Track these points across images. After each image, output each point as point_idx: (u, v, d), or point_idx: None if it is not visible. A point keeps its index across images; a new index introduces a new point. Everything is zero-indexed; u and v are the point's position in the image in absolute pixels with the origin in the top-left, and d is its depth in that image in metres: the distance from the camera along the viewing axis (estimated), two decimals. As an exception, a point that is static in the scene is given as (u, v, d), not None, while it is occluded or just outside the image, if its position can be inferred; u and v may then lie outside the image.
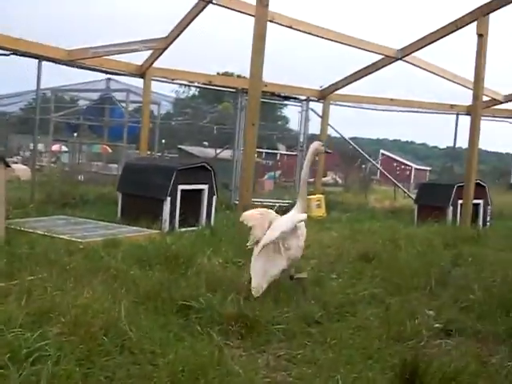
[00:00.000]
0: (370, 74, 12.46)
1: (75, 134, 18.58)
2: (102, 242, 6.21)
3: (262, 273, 4.26)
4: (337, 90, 13.29)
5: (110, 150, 20.53)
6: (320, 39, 10.99)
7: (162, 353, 3.13)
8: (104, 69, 11.36)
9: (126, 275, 4.69)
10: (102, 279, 4.54)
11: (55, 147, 21.11)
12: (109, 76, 13.27)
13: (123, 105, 15.43)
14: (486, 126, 14.35)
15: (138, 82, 12.37)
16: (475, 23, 9.59)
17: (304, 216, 4.75)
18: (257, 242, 4.47)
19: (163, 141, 19.47)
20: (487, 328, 3.91)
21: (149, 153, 13.76)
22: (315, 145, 5.16)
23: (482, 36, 9.42)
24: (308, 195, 12.42)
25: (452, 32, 10.42)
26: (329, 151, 5.91)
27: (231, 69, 22.33)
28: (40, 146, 17.99)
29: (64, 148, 21.88)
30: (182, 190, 8.19)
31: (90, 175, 16.20)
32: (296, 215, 4.73)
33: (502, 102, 13.71)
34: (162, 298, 4.05)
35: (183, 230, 7.73)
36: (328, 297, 4.51)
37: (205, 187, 8.61)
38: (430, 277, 5.15)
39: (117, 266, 4.98)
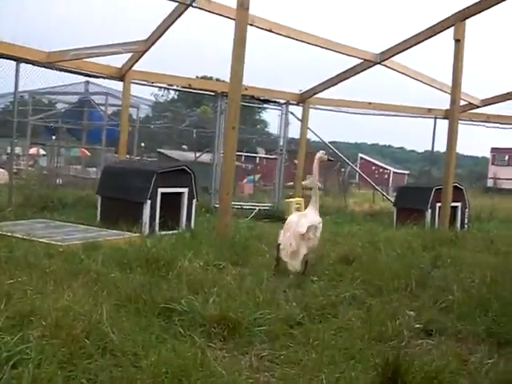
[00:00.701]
0: (349, 77, 12.52)
1: (53, 137, 18.42)
2: (81, 245, 6.19)
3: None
4: (316, 93, 13.34)
5: (89, 154, 20.39)
6: (300, 43, 11.03)
7: (145, 355, 3.11)
8: (83, 71, 11.27)
9: (107, 278, 4.67)
10: (83, 282, 4.52)
11: (33, 150, 20.92)
12: (87, 79, 13.18)
13: (102, 108, 15.34)
14: (463, 129, 14.57)
15: (117, 85, 12.34)
16: (453, 28, 9.72)
17: (320, 219, 5.90)
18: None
19: (142, 144, 19.39)
20: (467, 328, 3.96)
21: (128, 156, 13.70)
22: (319, 154, 6.20)
23: (459, 41, 9.53)
24: (288, 199, 12.58)
25: (430, 37, 10.52)
26: (331, 159, 6.93)
27: (211, 72, 22.31)
28: (18, 150, 17.82)
29: (42, 151, 21.69)
30: (162, 193, 8.17)
31: (68, 179, 16.10)
32: (316, 217, 5.84)
33: (478, 106, 13.88)
34: (144, 301, 4.04)
35: (163, 233, 7.71)
36: (309, 299, 4.53)
37: (185, 190, 8.60)
38: (410, 278, 5.19)
39: (97, 268, 4.96)
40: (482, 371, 3.23)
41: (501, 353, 3.53)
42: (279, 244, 5.60)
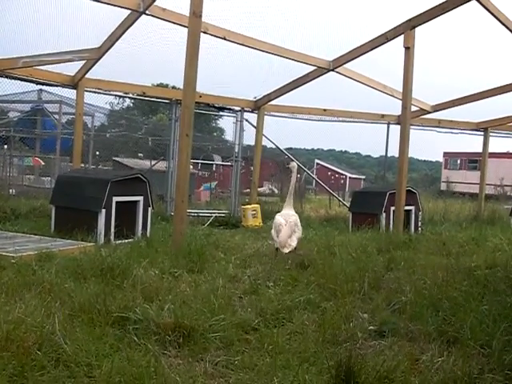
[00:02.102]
0: (303, 84, 12.64)
1: (5, 147, 18.07)
2: (35, 256, 6.07)
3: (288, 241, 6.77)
4: (271, 100, 13.43)
5: (43, 163, 20.06)
6: (255, 51, 11.09)
7: (98, 365, 3.09)
8: (35, 79, 11.10)
9: (61, 288, 4.61)
10: (36, 293, 4.45)
11: (-16, 160, 20.45)
12: (40, 87, 12.99)
13: (56, 116, 15.14)
14: (418, 135, 14.88)
15: (72, 94, 12.18)
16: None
17: (297, 215, 7.37)
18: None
19: (97, 153, 19.19)
20: (418, 328, 4.04)
21: (82, 165, 13.53)
22: (294, 164, 7.96)
23: (408, 49, 9.74)
24: (244, 205, 12.61)
25: (382, 44, 10.71)
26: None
27: (166, 80, 22.20)
28: (-32, 160, 17.41)
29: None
30: (117, 202, 8.10)
31: (21, 188, 15.79)
32: (295, 214, 7.36)
33: (429, 112, 14.19)
34: (98, 310, 4.00)
35: (119, 242, 7.64)
36: (265, 304, 4.55)
37: (140, 198, 8.55)
38: (364, 281, 5.28)
39: (51, 279, 4.88)
40: (432, 369, 3.31)
41: (450, 351, 3.62)
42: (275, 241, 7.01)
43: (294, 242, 6.80)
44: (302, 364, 3.31)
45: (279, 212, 7.83)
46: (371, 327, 4.15)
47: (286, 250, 6.73)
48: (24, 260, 5.83)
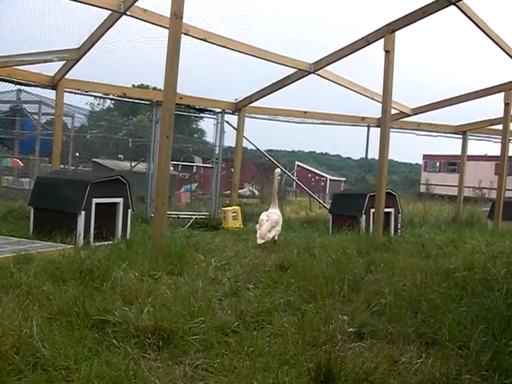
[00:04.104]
0: (283, 87, 12.67)
1: (-17, 148, 17.88)
2: (13, 258, 6.00)
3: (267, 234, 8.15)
4: (251, 102, 13.43)
5: (22, 164, 19.86)
6: (235, 53, 11.10)
7: (77, 368, 3.06)
8: (14, 79, 10.99)
9: (39, 291, 4.56)
10: (13, 296, 4.40)
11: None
12: (19, 87, 12.86)
13: (35, 117, 15.01)
14: (398, 137, 14.98)
15: (51, 94, 12.08)
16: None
17: (280, 215, 8.82)
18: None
19: (77, 154, 19.05)
20: (397, 329, 4.05)
21: (62, 166, 13.43)
22: (278, 170, 9.61)
23: (388, 52, 9.79)
24: (224, 207, 12.60)
25: (363, 47, 10.77)
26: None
27: (147, 81, 22.10)
28: None
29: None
30: (97, 204, 8.05)
31: (-1, 190, 15.63)
32: (278, 213, 8.73)
33: (409, 115, 14.30)
34: (77, 313, 3.96)
35: (98, 244, 7.59)
36: (244, 306, 4.55)
37: (120, 200, 8.50)
38: (344, 283, 5.29)
39: (29, 282, 4.82)
40: (411, 371, 3.34)
41: (428, 352, 3.65)
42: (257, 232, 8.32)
43: (271, 234, 8.19)
44: (282, 366, 3.31)
45: (260, 213, 8.88)
46: (351, 329, 4.17)
47: (261, 241, 8.05)
48: (1, 262, 5.76)
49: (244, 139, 13.88)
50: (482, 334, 3.75)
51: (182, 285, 5.22)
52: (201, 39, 10.42)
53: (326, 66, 11.78)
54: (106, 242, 7.71)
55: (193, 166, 22.49)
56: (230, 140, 14.26)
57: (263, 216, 8.55)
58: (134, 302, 4.39)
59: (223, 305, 4.69)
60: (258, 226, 8.53)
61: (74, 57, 10.55)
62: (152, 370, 3.23)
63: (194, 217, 12.46)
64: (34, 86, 11.64)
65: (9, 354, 3.13)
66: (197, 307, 4.29)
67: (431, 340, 3.87)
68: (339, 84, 12.39)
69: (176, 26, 7.25)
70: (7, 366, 3.03)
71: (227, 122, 13.63)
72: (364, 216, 10.77)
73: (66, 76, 11.21)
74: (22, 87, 12.75)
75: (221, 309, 4.55)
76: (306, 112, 14.23)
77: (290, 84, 12.55)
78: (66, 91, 11.56)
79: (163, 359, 3.45)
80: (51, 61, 10.46)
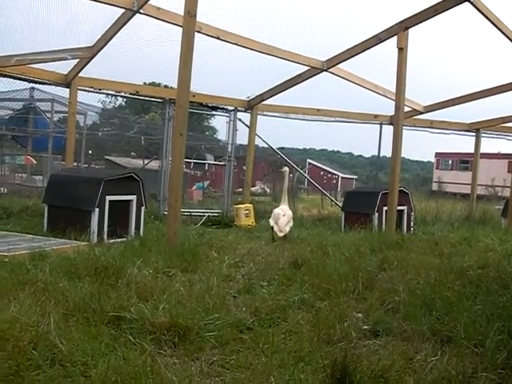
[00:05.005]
0: (296, 84, 12.66)
1: (-3, 145, 17.98)
2: (28, 255, 6.05)
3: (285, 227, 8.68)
4: (264, 100, 13.43)
5: (35, 162, 19.96)
6: (248, 50, 11.10)
7: (94, 364, 3.08)
8: (28, 77, 11.06)
9: (55, 288, 4.60)
10: (30, 292, 4.44)
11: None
12: (33, 85, 12.93)
13: (48, 115, 15.07)
14: (410, 135, 14.91)
15: (64, 92, 12.14)
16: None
17: (291, 211, 9.28)
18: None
19: (90, 152, 19.13)
20: (412, 327, 4.06)
21: (75, 164, 13.48)
22: (286, 169, 9.75)
23: (402, 49, 9.76)
24: (237, 204, 12.63)
25: (375, 45, 10.74)
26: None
27: (159, 79, 22.13)
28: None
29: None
30: (110, 201, 8.09)
31: (13, 187, 15.72)
32: (290, 212, 9.17)
33: (422, 113, 14.24)
34: (93, 310, 4.00)
35: (112, 241, 7.64)
36: (259, 303, 4.57)
37: (133, 198, 8.55)
38: (358, 281, 5.29)
39: (45, 278, 4.87)
40: (426, 368, 3.34)
41: (444, 350, 3.64)
42: (272, 227, 8.81)
43: (287, 229, 8.69)
44: (298, 363, 3.32)
45: (272, 211, 9.26)
46: (365, 327, 4.18)
47: (281, 234, 8.60)
48: (17, 259, 5.81)
49: (256, 137, 13.87)
50: (498, 332, 3.73)
51: (197, 282, 5.24)
52: (213, 37, 10.43)
53: (338, 63, 11.75)
54: (119, 239, 7.76)
55: (205, 163, 22.51)
56: (241, 138, 14.28)
57: (278, 211, 8.93)
58: (149, 299, 4.42)
59: (237, 302, 4.71)
60: (271, 220, 8.90)
61: (87, 55, 10.60)
62: (168, 366, 3.25)
63: (206, 214, 12.48)
64: (48, 84, 11.71)
65: (27, 350, 3.16)
66: (211, 304, 4.31)
67: (446, 338, 3.86)
68: (352, 81, 12.35)
69: (190, 23, 7.26)
70: (26, 361, 3.06)
71: (240, 120, 13.65)
72: (377, 214, 10.74)
73: (79, 74, 11.25)
74: (35, 85, 12.83)
75: (235, 306, 4.57)
76: (318, 110, 14.21)
77: (302, 82, 12.54)
78: (79, 89, 11.61)
79: (179, 355, 3.48)
80: (65, 59, 10.51)
